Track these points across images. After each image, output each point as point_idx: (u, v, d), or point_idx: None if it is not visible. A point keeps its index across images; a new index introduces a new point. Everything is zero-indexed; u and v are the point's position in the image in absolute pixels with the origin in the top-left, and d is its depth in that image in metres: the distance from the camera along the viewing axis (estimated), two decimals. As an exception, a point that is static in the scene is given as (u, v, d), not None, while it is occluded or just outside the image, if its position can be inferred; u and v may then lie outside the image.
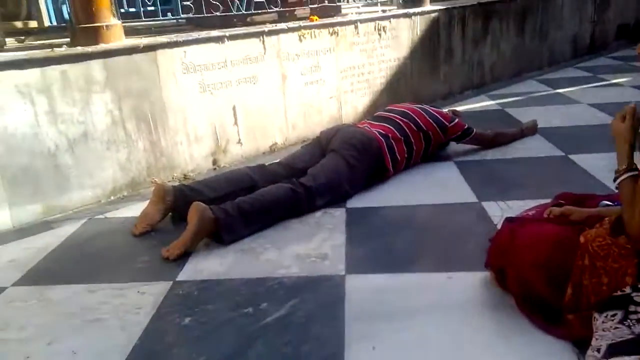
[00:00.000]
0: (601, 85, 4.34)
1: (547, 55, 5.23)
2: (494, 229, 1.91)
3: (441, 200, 2.27)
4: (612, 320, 1.18)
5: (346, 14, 3.68)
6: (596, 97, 3.91)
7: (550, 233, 1.45)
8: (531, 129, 3.08)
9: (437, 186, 2.43)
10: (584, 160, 2.61)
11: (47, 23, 3.16)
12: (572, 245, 1.37)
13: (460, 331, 1.42)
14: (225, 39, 2.79)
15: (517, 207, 2.05)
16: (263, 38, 2.95)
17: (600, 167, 2.49)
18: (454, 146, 2.87)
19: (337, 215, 2.18)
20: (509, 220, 1.65)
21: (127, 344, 1.45)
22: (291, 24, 3.10)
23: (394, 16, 3.67)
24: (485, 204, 2.19)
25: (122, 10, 2.72)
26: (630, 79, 4.46)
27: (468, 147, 2.85)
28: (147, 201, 2.20)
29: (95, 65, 2.38)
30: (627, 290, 1.22)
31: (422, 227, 2.07)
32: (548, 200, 1.79)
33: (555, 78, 4.72)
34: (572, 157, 2.68)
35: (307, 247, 1.93)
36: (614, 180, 1.35)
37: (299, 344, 1.40)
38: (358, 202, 2.30)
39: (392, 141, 2.49)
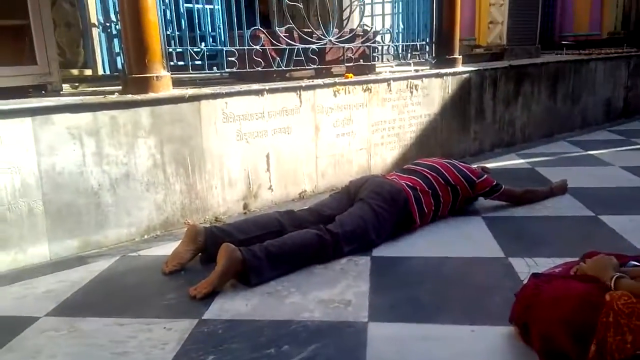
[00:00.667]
0: (634, 149, 4.31)
1: (579, 118, 5.25)
2: (520, 284, 1.90)
3: (467, 254, 2.28)
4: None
5: (380, 72, 3.83)
6: (628, 160, 3.88)
7: (576, 289, 1.45)
8: (561, 188, 3.07)
9: (464, 240, 2.44)
10: (613, 221, 2.58)
11: (101, 72, 3.40)
12: (597, 302, 1.37)
13: (481, 385, 1.41)
14: (265, 92, 2.95)
15: (544, 264, 2.04)
16: (300, 92, 3.11)
17: (631, 228, 2.46)
18: (482, 201, 2.88)
19: (362, 263, 2.21)
20: (535, 275, 1.66)
21: (151, 377, 1.48)
22: (327, 80, 3.26)
23: (426, 76, 3.80)
24: (512, 260, 2.19)
25: (172, 63, 2.92)
26: (664, 144, 4.42)
27: (497, 203, 2.86)
28: (179, 241, 2.29)
29: (143, 112, 2.54)
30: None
31: (447, 279, 2.08)
32: (576, 259, 1.78)
33: (587, 140, 4.72)
34: (602, 217, 2.65)
35: (331, 292, 1.96)
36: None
37: (319, 387, 1.41)
38: (384, 251, 2.33)
39: (420, 193, 2.53)
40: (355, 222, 2.31)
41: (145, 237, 2.60)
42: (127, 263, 2.32)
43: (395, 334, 1.67)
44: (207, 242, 2.22)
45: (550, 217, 2.71)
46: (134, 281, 2.14)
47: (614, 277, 1.43)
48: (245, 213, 2.93)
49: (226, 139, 2.83)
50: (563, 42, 6.68)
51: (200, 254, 2.26)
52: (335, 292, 1.96)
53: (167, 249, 2.36)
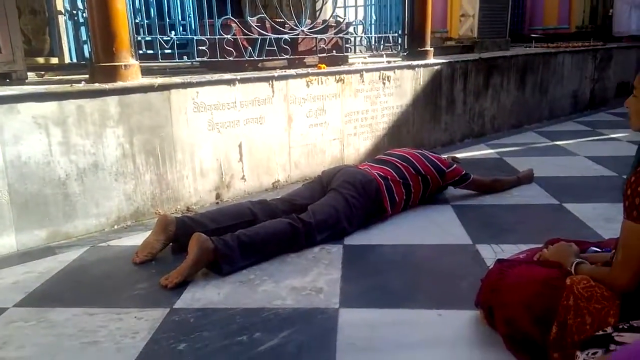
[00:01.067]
0: (599, 139, 4.45)
1: (547, 109, 5.38)
2: (487, 270, 1.95)
3: (437, 242, 2.33)
4: (593, 358, 1.21)
5: (353, 64, 3.85)
6: (593, 150, 4.01)
7: (538, 274, 1.50)
8: (527, 177, 3.16)
9: (433, 227, 2.49)
10: (578, 209, 2.67)
11: (67, 60, 3.33)
12: (558, 286, 1.42)
13: (448, 367, 1.45)
14: (237, 82, 2.93)
15: (510, 251, 2.10)
16: (272, 82, 3.10)
17: (594, 216, 2.55)
18: (452, 190, 2.94)
19: (334, 252, 2.23)
20: (499, 261, 1.71)
21: (121, 366, 1.48)
22: (300, 71, 3.26)
23: (398, 67, 3.84)
24: (479, 247, 2.24)
25: (141, 52, 2.88)
26: (627, 134, 4.56)
27: (466, 192, 2.92)
28: (150, 231, 2.27)
29: (111, 102, 2.50)
30: (609, 330, 1.26)
31: (416, 266, 2.12)
32: (540, 246, 1.84)
33: (554, 131, 4.85)
34: (567, 205, 2.74)
35: (303, 280, 1.98)
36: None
37: (289, 372, 1.43)
38: (355, 239, 2.36)
39: (391, 183, 2.57)
40: (328, 211, 2.33)
41: (115, 227, 2.57)
42: (97, 253, 2.29)
43: (365, 320, 1.71)
44: (178, 232, 2.21)
45: (517, 205, 2.78)
46: (104, 271, 2.12)
47: (574, 263, 1.48)
48: (217, 203, 2.92)
49: (197, 129, 2.81)
50: (532, 35, 6.82)
51: (171, 243, 2.25)
52: (307, 279, 1.98)
53: (137, 239, 2.34)
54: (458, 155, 3.60)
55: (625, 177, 1.32)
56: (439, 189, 2.86)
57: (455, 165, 2.84)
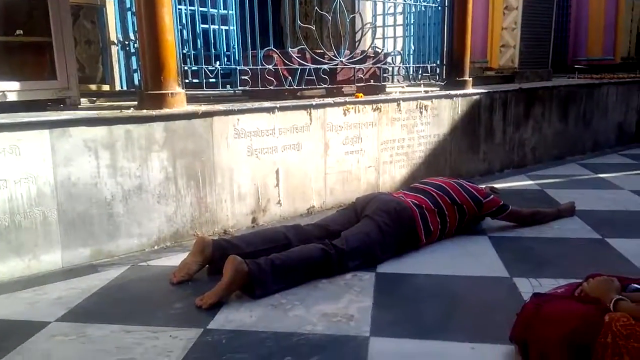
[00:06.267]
0: (645, 173, 4.29)
1: (590, 141, 5.25)
2: (523, 304, 1.91)
3: (472, 273, 2.29)
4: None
5: (390, 93, 3.89)
6: (638, 184, 3.86)
7: (576, 310, 1.46)
8: (569, 210, 3.08)
9: (469, 258, 2.45)
10: (621, 244, 2.58)
11: (118, 87, 3.52)
12: (596, 323, 1.37)
13: (479, 401, 1.42)
14: (276, 110, 3.03)
15: (549, 285, 2.04)
16: (310, 110, 3.17)
17: (638, 252, 2.45)
18: (489, 221, 2.90)
19: (366, 279, 2.23)
20: (535, 295, 1.67)
21: (155, 383, 1.52)
22: (337, 99, 3.33)
23: (436, 96, 3.86)
24: (516, 280, 2.19)
25: (187, 81, 3.02)
26: (677, 169, 4.39)
27: (504, 223, 2.87)
28: (188, 252, 2.34)
29: (157, 127, 2.62)
30: (649, 370, 1.21)
31: (450, 297, 2.09)
32: (580, 280, 1.78)
33: (597, 163, 4.71)
34: (609, 240, 2.65)
35: (334, 306, 1.98)
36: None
37: (317, 398, 1.43)
38: (388, 267, 2.35)
39: (426, 212, 2.56)
40: (361, 238, 2.34)
41: (155, 247, 2.65)
42: (137, 272, 2.38)
43: (396, 350, 1.69)
44: (215, 254, 2.26)
45: (557, 239, 2.71)
46: (143, 290, 2.19)
47: (614, 299, 1.44)
48: (253, 227, 2.97)
49: (237, 154, 2.90)
50: (576, 66, 6.70)
51: (207, 265, 2.30)
52: (338, 306, 1.99)
53: (175, 259, 2.41)
54: (497, 186, 3.54)
55: None
56: (476, 219, 2.82)
57: (492, 196, 2.80)
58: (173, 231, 2.72)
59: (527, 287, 2.12)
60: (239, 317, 1.92)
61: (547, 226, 2.90)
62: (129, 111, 2.62)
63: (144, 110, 2.64)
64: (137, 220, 2.59)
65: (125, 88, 3.45)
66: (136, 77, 3.23)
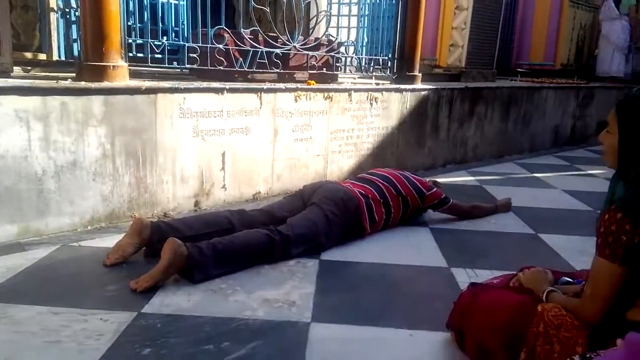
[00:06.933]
0: (577, 175, 4.55)
1: (528, 142, 5.49)
2: (460, 293, 1.96)
3: (413, 262, 2.33)
4: (560, 385, 1.21)
5: (342, 83, 3.89)
6: (571, 184, 4.09)
7: (510, 299, 1.51)
8: (505, 206, 3.20)
9: (410, 248, 2.50)
10: (552, 239, 2.71)
11: (55, 57, 3.29)
12: (529, 312, 1.42)
13: (415, 387, 1.44)
14: (225, 91, 2.94)
15: (484, 276, 2.12)
16: (261, 94, 3.11)
17: (568, 247, 2.58)
18: (430, 213, 2.97)
19: (309, 266, 2.22)
20: (472, 284, 1.71)
21: (82, 368, 1.44)
22: (289, 85, 3.28)
23: (386, 89, 3.89)
24: (454, 270, 2.25)
25: (131, 54, 2.87)
26: (604, 172, 4.65)
27: (444, 215, 2.94)
28: (124, 234, 2.23)
29: (96, 101, 2.48)
30: (577, 359, 1.27)
31: (391, 285, 2.12)
32: (513, 272, 1.85)
33: (534, 163, 4.93)
34: (542, 235, 2.78)
35: (276, 292, 1.96)
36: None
37: (255, 383, 1.41)
38: (332, 255, 2.35)
39: (372, 202, 2.58)
40: (307, 225, 2.33)
41: (89, 227, 2.52)
42: (67, 252, 2.24)
43: (337, 335, 1.69)
44: (153, 237, 2.17)
45: (493, 232, 2.81)
46: (73, 271, 2.07)
47: (547, 291, 1.50)
48: (196, 210, 2.89)
49: (181, 135, 2.80)
50: (518, 70, 6.98)
51: (144, 248, 2.21)
52: (280, 292, 1.97)
53: (110, 241, 2.30)
54: (439, 180, 3.62)
55: (599, 212, 1.35)
56: (419, 211, 2.88)
57: (435, 189, 2.86)
58: (109, 211, 2.59)
59: (464, 277, 2.18)
60: (176, 301, 1.86)
61: (484, 220, 3.00)
62: (66, 82, 2.46)
63: (83, 82, 2.49)
64: (69, 198, 2.45)
65: (63, 58, 3.23)
66: (76, 47, 3.04)
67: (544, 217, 3.13)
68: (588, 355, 1.25)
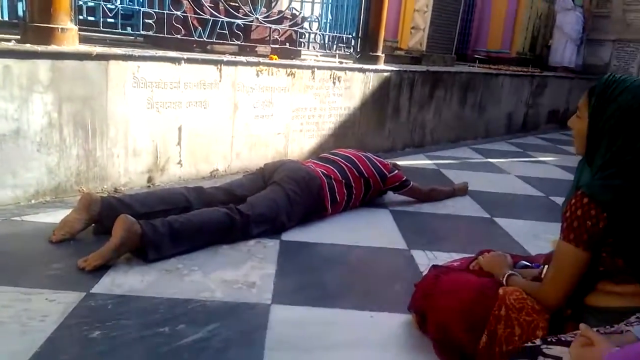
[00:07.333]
0: (529, 161, 4.68)
1: (483, 128, 5.60)
2: (420, 275, 1.97)
3: (373, 244, 2.32)
4: (523, 368, 1.22)
5: (305, 59, 3.80)
6: (523, 170, 4.20)
7: (473, 282, 1.52)
8: (462, 190, 3.25)
9: (371, 230, 2.48)
10: (507, 224, 2.77)
11: (-3, 17, 3.03)
12: (492, 295, 1.43)
13: (377, 369, 1.43)
14: (183, 61, 2.79)
15: (443, 259, 2.14)
16: (221, 67, 2.98)
17: (522, 231, 2.65)
18: (391, 196, 2.96)
19: (270, 246, 2.16)
20: (435, 267, 1.72)
21: (26, 351, 1.34)
22: (251, 59, 3.16)
23: (350, 69, 3.83)
24: (414, 252, 2.26)
25: (81, 17, 2.66)
26: (555, 159, 4.85)
27: (404, 198, 2.95)
28: (71, 209, 2.09)
29: (42, 65, 2.29)
30: (538, 342, 1.28)
31: (351, 266, 2.10)
32: (472, 255, 1.87)
33: (488, 149, 5.04)
34: (497, 220, 2.83)
35: (236, 273, 1.89)
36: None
37: (214, 368, 1.35)
38: (293, 236, 2.30)
39: (334, 182, 2.54)
40: (267, 204, 2.26)
41: (33, 201, 2.35)
42: (9, 227, 2.09)
43: (298, 318, 1.65)
44: (103, 213, 2.05)
45: (451, 216, 2.85)
46: (15, 247, 1.93)
47: (507, 274, 1.51)
48: (149, 187, 2.76)
49: (135, 106, 2.64)
50: (476, 56, 7.09)
51: (93, 224, 2.08)
52: (239, 273, 1.90)
53: (56, 216, 2.15)
54: (399, 163, 3.63)
55: (549, 197, 1.36)
56: (380, 193, 2.87)
57: (396, 171, 2.86)
58: (54, 185, 2.42)
59: (423, 259, 2.19)
60: (128, 281, 1.76)
61: (442, 203, 3.03)
62: (10, 44, 2.25)
63: (28, 45, 2.29)
64: (11, 169, 2.27)
65: (6, 19, 2.98)
66: (20, 7, 2.80)
67: (499, 202, 3.20)
68: (549, 339, 1.27)
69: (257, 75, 3.18)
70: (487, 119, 5.61)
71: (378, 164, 2.78)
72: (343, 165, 2.64)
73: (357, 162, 2.70)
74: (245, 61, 3.10)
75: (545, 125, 6.70)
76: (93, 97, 2.47)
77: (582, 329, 1.13)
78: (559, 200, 3.32)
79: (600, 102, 1.28)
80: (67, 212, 2.09)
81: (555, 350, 1.20)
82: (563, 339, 1.25)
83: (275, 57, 3.39)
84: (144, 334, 1.48)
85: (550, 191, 3.55)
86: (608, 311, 1.26)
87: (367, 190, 2.72)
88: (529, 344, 1.28)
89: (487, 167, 4.22)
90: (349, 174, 2.62)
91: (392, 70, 4.19)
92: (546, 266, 1.54)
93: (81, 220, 2.04)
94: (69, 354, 1.36)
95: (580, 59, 7.52)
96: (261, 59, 3.23)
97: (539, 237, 2.56)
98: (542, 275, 1.52)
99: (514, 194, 3.47)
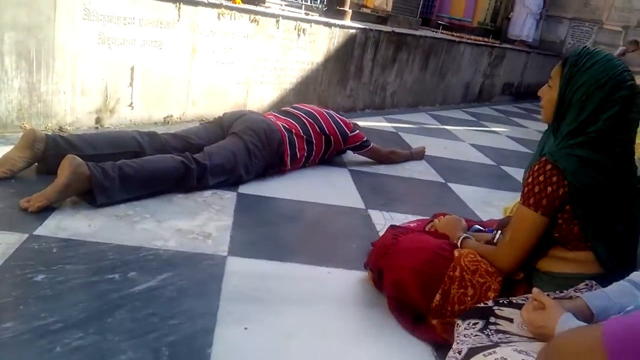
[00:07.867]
0: (482, 130, 4.79)
1: (441, 95, 5.65)
2: (376, 234, 1.99)
3: (331, 202, 2.31)
4: (474, 328, 1.25)
5: (269, 7, 3.63)
6: (476, 139, 4.29)
7: (429, 243, 1.54)
8: (419, 154, 3.28)
9: (329, 188, 2.47)
10: (460, 189, 2.83)
11: None
12: (447, 256, 1.46)
13: (331, 324, 1.44)
14: (138, -4, 2.60)
15: (398, 219, 2.17)
16: (179, 5, 2.79)
17: (473, 197, 2.72)
18: (350, 155, 2.95)
19: (226, 198, 2.11)
20: (393, 227, 1.73)
21: (-40, 294, 1.24)
22: (212, 0, 2.98)
23: (316, 22, 3.71)
24: (371, 212, 2.27)
25: None
26: (506, 130, 4.99)
27: (362, 158, 2.94)
28: (12, 146, 1.94)
29: (-22, -16, 2.06)
30: (490, 303, 1.32)
31: (309, 223, 2.08)
32: (427, 218, 1.90)
33: (445, 116, 5.11)
34: (451, 185, 2.89)
35: (191, 223, 1.83)
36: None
37: (167, 317, 1.31)
38: (250, 189, 2.25)
39: (295, 137, 2.49)
40: (226, 155, 2.18)
41: (-33, 135, 2.17)
42: (-62, 163, 1.91)
43: (253, 270, 1.63)
44: (48, 151, 1.91)
45: (408, 178, 2.88)
46: (-54, 184, 1.77)
47: (462, 237, 1.54)
48: (97, 128, 2.60)
49: (85, 40, 2.45)
50: (439, 22, 7.08)
51: (37, 163, 1.94)
52: (195, 223, 1.84)
53: (-5, 153, 1.99)
54: (359, 124, 3.61)
55: (501, 166, 1.38)
56: (339, 151, 2.85)
57: (357, 131, 2.83)
58: (-7, 118, 2.24)
59: (380, 219, 2.21)
60: (75, 225, 1.67)
61: (399, 166, 3.05)
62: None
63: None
64: (-58, 98, 2.06)
65: None
66: None
67: (453, 168, 3.26)
68: (500, 301, 1.31)
69: (219, 18, 3.01)
70: (446, 86, 5.66)
71: (340, 122, 2.74)
72: (305, 120, 2.58)
73: (319, 118, 2.64)
74: (206, 2, 2.93)
75: (499, 97, 6.85)
76: (39, 26, 2.27)
77: (534, 293, 1.17)
78: (510, 169, 3.44)
79: (572, 72, 1.28)
80: (8, 148, 1.93)
81: (507, 312, 1.25)
82: (514, 301, 1.29)
83: (239, 0, 3.22)
84: (93, 280, 1.41)
85: (502, 161, 3.65)
86: (559, 276, 1.31)
87: (327, 147, 2.68)
88: (481, 304, 1.32)
89: (443, 134, 4.27)
90: (311, 130, 2.57)
91: (358, 28, 4.10)
92: (499, 231, 1.59)
93: (23, 158, 1.90)
94: (13, 297, 1.27)
95: (537, 34, 7.68)
96: (224, 1, 3.06)
97: (490, 204, 2.64)
98: (495, 240, 1.57)
99: (467, 161, 3.54)
